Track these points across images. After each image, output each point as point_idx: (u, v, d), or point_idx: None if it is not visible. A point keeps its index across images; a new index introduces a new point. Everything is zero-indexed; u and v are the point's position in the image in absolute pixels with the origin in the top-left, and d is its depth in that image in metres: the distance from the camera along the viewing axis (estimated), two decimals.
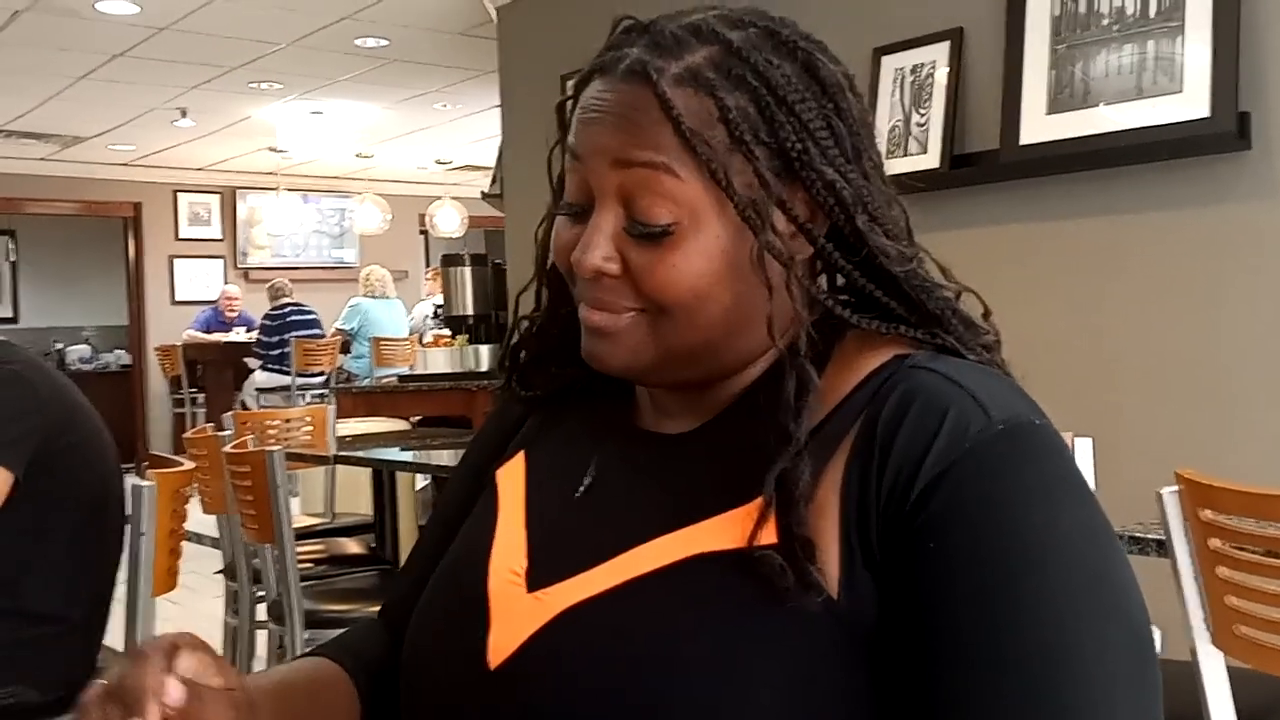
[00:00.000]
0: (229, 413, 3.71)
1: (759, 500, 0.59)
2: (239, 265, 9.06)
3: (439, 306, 6.21)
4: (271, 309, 7.67)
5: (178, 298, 8.78)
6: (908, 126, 2.66)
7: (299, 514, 4.02)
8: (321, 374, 7.48)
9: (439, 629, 0.68)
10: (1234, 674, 1.43)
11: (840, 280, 0.66)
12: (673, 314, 0.62)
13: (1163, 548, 1.45)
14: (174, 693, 0.56)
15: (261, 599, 2.84)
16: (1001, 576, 0.54)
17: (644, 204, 0.61)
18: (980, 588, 0.54)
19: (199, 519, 2.71)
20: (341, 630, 0.85)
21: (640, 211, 0.62)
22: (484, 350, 4.52)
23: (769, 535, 0.58)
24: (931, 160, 2.58)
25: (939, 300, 0.64)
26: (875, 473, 0.57)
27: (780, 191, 0.62)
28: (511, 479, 0.73)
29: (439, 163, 8.36)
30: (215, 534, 3.33)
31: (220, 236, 9.00)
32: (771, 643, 0.56)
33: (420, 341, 6.45)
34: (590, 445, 0.71)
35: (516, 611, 0.64)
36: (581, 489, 0.69)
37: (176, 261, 8.82)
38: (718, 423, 0.66)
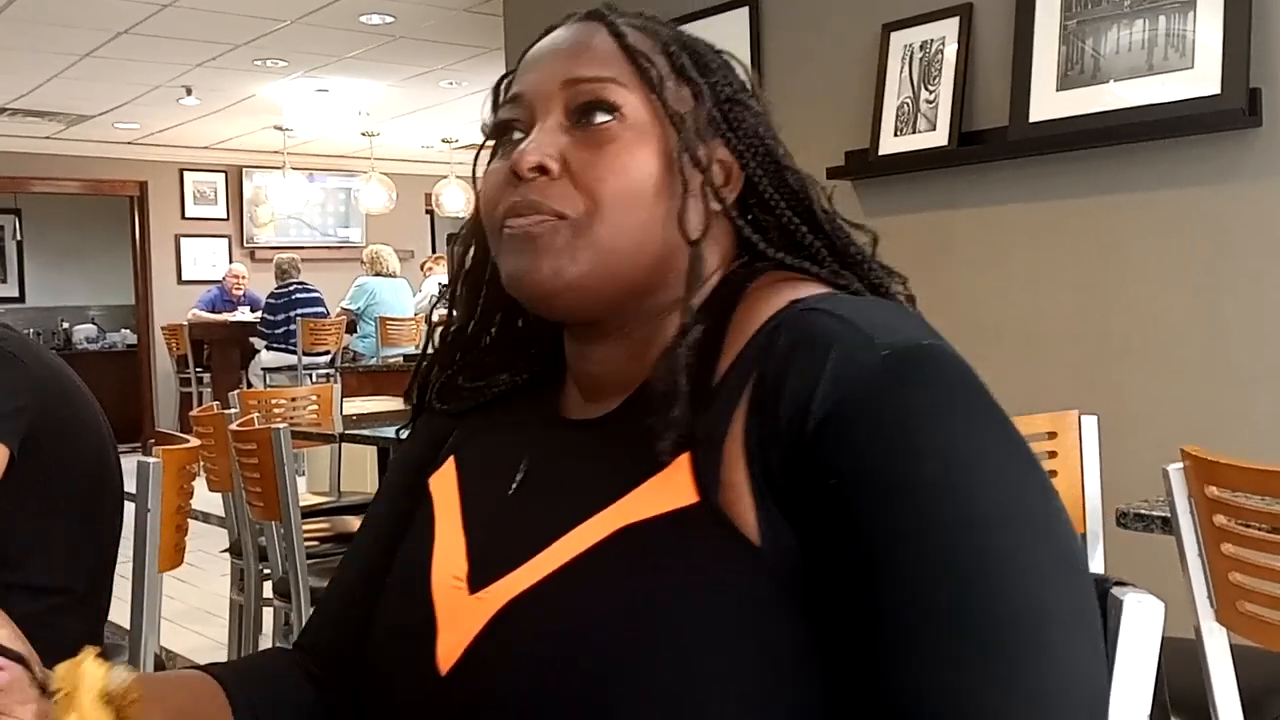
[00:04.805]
0: (235, 391, 3.71)
1: (673, 463, 0.59)
2: (245, 244, 9.06)
3: (444, 286, 6.21)
4: (276, 288, 7.67)
5: (184, 277, 8.78)
6: (916, 103, 2.64)
7: (304, 493, 4.03)
8: (327, 353, 7.49)
9: (392, 644, 0.68)
10: (1237, 651, 1.43)
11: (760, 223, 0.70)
12: (603, 214, 0.64)
13: (1168, 524, 1.45)
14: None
15: (268, 577, 2.86)
16: (901, 500, 0.53)
17: (589, 102, 0.65)
18: (884, 515, 0.53)
19: (204, 497, 2.71)
20: None
21: (585, 108, 0.65)
22: None
23: (689, 496, 0.59)
24: (940, 138, 2.56)
25: (857, 249, 0.69)
26: (771, 420, 0.57)
27: (716, 119, 0.68)
28: (445, 486, 0.73)
29: (445, 141, 8.33)
30: (220, 513, 3.34)
31: (226, 215, 9.00)
32: (704, 601, 0.56)
33: (426, 321, 6.46)
34: (519, 442, 0.71)
35: (461, 615, 0.64)
36: (514, 486, 0.69)
37: (182, 240, 8.82)
38: (637, 397, 0.66)
